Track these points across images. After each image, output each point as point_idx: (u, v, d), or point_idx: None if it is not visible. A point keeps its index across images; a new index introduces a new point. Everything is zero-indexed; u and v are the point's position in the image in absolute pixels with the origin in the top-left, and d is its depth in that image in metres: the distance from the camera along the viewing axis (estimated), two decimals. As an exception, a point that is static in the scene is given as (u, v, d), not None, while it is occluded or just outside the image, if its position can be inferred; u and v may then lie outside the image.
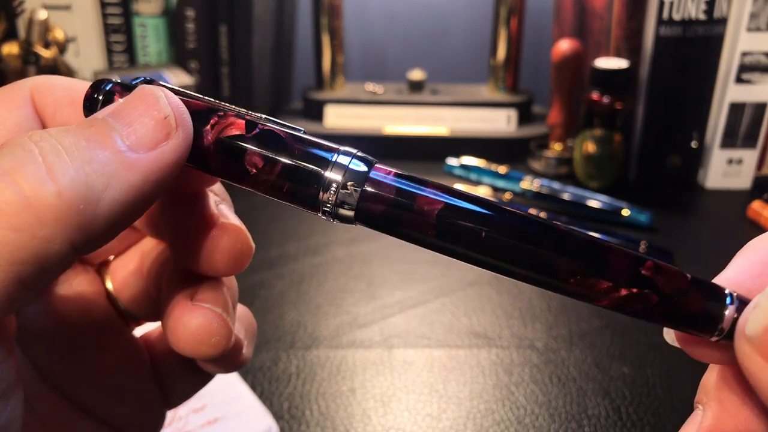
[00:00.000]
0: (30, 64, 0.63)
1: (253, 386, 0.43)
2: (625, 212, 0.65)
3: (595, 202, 0.66)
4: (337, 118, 0.82)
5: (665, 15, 0.68)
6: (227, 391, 0.41)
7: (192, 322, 0.20)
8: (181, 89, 0.19)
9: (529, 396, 0.43)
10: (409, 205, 0.17)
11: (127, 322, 0.24)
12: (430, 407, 0.42)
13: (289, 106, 0.90)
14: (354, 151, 0.18)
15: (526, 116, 0.83)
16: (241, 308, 0.24)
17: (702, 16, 0.68)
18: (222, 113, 0.18)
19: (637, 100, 0.73)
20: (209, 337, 0.20)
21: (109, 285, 0.24)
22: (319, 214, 0.18)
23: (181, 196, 0.21)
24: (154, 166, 0.16)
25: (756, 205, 0.67)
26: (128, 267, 0.24)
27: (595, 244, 0.17)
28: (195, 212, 0.21)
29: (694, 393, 0.18)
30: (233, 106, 0.19)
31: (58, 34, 0.65)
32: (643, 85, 0.72)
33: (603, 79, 0.69)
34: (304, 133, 0.18)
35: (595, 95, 0.69)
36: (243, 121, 0.18)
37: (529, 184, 0.69)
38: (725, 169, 0.74)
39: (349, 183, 0.17)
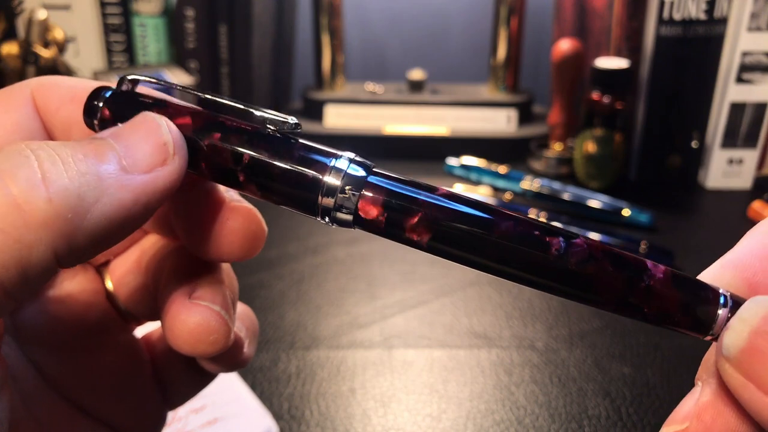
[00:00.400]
0: (29, 63, 0.63)
1: (253, 386, 0.43)
2: (626, 212, 0.65)
3: (595, 202, 0.66)
4: (337, 117, 0.81)
5: (665, 15, 0.68)
6: (227, 391, 0.41)
7: (190, 320, 0.20)
8: (184, 86, 0.19)
9: (530, 396, 0.43)
10: (407, 209, 0.17)
11: (127, 321, 0.24)
12: (430, 407, 0.42)
13: (289, 105, 0.90)
14: (352, 155, 0.18)
15: (526, 116, 0.82)
16: (242, 307, 0.24)
17: (702, 16, 0.68)
18: (221, 124, 0.18)
19: (638, 100, 0.73)
20: (207, 335, 0.20)
21: (109, 284, 0.24)
22: (318, 218, 0.18)
23: (189, 182, 0.21)
24: (146, 189, 0.17)
25: (756, 205, 0.67)
26: (128, 266, 0.24)
27: (582, 276, 0.17)
28: (205, 196, 0.21)
29: (694, 393, 0.18)
30: (234, 102, 0.19)
31: (58, 34, 0.65)
32: (643, 85, 0.72)
33: (603, 78, 0.69)
34: (298, 126, 0.18)
35: (595, 95, 0.69)
36: (240, 134, 0.18)
37: (529, 184, 0.69)
38: (726, 169, 0.74)
39: (347, 187, 0.17)
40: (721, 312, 0.16)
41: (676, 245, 0.60)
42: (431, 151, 0.79)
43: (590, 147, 0.70)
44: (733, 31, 0.68)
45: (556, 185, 0.68)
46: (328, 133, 0.80)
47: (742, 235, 0.18)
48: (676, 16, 0.68)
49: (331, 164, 0.18)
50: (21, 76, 0.63)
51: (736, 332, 0.15)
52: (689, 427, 0.17)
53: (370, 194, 0.17)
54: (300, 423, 0.40)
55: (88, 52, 0.74)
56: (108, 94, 0.19)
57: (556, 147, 0.78)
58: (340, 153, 0.18)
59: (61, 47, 0.65)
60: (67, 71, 0.66)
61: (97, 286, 0.23)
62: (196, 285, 0.21)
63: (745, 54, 0.68)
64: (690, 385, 0.18)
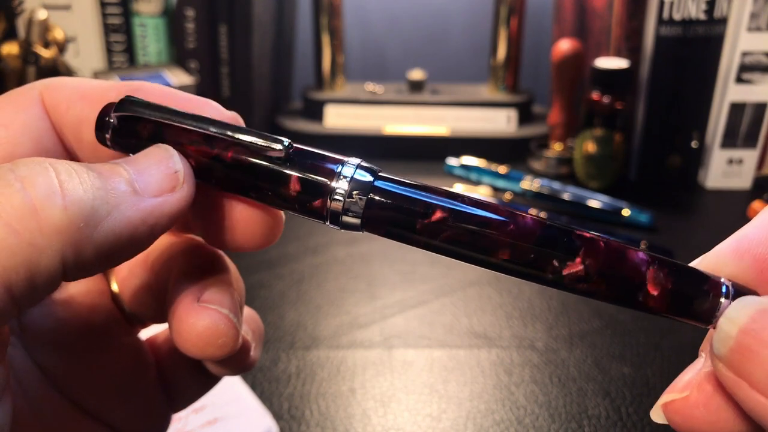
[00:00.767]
0: (30, 63, 0.63)
1: (253, 386, 0.43)
2: (626, 212, 0.65)
3: (595, 202, 0.66)
4: (337, 118, 0.81)
5: (665, 15, 0.68)
6: (227, 391, 0.41)
7: (199, 323, 0.20)
8: (185, 114, 0.19)
9: (529, 396, 0.43)
10: (414, 212, 0.18)
11: (132, 324, 0.24)
12: (430, 407, 0.42)
13: (289, 106, 0.90)
14: (358, 161, 0.19)
15: (526, 116, 0.82)
16: (248, 310, 0.24)
17: (702, 16, 0.68)
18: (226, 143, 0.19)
19: (638, 100, 0.73)
20: (216, 338, 0.20)
21: (114, 287, 0.24)
22: (327, 223, 0.19)
23: None
24: (154, 211, 0.17)
25: (756, 205, 0.67)
26: (133, 268, 0.24)
27: (584, 275, 0.17)
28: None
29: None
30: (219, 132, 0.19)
31: (58, 34, 0.65)
32: (643, 85, 0.72)
33: (603, 78, 0.69)
34: (291, 146, 0.19)
35: (595, 95, 0.69)
36: (240, 154, 0.19)
37: (529, 184, 0.69)
38: (725, 169, 0.74)
39: (354, 192, 0.18)
40: (724, 302, 0.17)
41: (676, 245, 0.60)
42: (431, 151, 0.79)
43: (590, 147, 0.70)
44: (732, 31, 0.68)
45: (556, 185, 0.68)
46: (328, 134, 0.80)
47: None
48: (676, 16, 0.68)
49: (339, 170, 0.18)
50: (21, 76, 0.63)
51: (724, 332, 0.16)
52: (689, 396, 0.17)
53: (378, 198, 0.18)
54: (300, 423, 0.40)
55: (88, 52, 0.74)
56: (119, 111, 0.20)
57: (556, 147, 0.78)
58: (347, 159, 0.19)
59: (62, 47, 0.65)
60: (68, 71, 0.66)
61: (102, 288, 0.23)
62: (205, 287, 0.21)
63: (744, 54, 0.68)
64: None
